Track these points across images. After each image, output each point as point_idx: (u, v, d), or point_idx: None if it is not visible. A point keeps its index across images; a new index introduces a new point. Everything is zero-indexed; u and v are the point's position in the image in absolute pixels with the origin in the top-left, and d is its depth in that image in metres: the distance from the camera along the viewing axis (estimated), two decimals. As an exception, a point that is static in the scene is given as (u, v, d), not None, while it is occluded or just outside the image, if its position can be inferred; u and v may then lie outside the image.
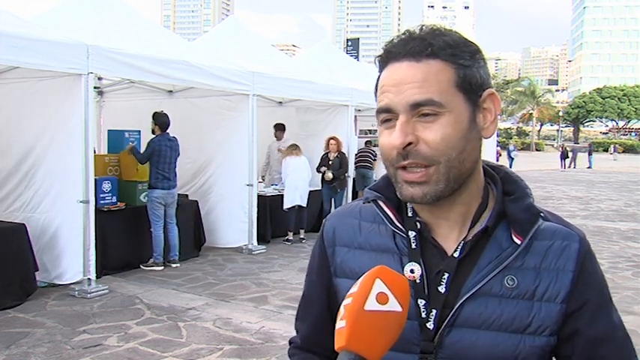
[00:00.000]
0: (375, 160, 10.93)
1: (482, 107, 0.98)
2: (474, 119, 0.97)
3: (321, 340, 1.13)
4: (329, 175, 9.20)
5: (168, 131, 7.20)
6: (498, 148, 33.42)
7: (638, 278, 7.23)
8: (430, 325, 0.98)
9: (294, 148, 8.96)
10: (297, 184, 8.82)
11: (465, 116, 0.95)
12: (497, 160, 29.67)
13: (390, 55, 0.97)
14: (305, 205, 9.03)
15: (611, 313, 1.02)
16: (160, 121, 7.18)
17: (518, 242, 0.98)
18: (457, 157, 0.94)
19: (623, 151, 59.19)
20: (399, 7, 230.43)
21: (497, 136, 34.22)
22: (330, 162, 9.30)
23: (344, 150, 9.53)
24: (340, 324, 0.82)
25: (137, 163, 7.20)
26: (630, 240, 10.04)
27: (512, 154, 30.78)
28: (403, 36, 0.98)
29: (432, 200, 0.96)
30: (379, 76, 1.00)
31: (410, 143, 0.93)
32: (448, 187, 0.96)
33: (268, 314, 5.50)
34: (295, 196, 8.82)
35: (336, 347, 0.81)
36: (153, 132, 7.19)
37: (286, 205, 8.82)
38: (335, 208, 9.28)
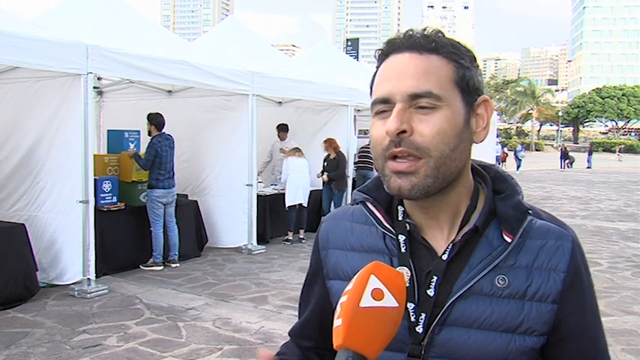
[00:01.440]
0: None
1: (476, 112, 0.99)
2: (468, 120, 0.97)
3: (304, 335, 1.19)
4: (324, 177, 9.25)
5: (164, 130, 7.22)
6: (505, 149, 33.08)
7: (637, 278, 7.23)
8: (419, 329, 0.98)
9: (296, 150, 9.00)
10: (299, 183, 8.84)
11: (460, 114, 0.96)
12: (504, 162, 29.48)
13: (393, 46, 0.98)
14: (306, 205, 9.05)
15: (598, 316, 1.04)
16: (157, 121, 7.19)
17: (509, 240, 0.97)
18: (450, 153, 0.94)
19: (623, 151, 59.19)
20: (399, 7, 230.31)
21: (498, 136, 33.77)
22: (326, 163, 9.33)
23: (343, 150, 9.53)
24: (337, 322, 0.81)
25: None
26: (630, 240, 10.02)
27: (519, 155, 30.23)
28: (406, 33, 0.99)
29: (420, 194, 0.95)
30: (377, 69, 1.00)
31: (404, 131, 0.92)
32: (436, 184, 0.95)
33: (268, 314, 5.50)
34: (297, 194, 8.84)
35: (334, 346, 0.81)
36: (149, 133, 7.19)
37: (288, 203, 8.84)
38: (334, 208, 9.28)
